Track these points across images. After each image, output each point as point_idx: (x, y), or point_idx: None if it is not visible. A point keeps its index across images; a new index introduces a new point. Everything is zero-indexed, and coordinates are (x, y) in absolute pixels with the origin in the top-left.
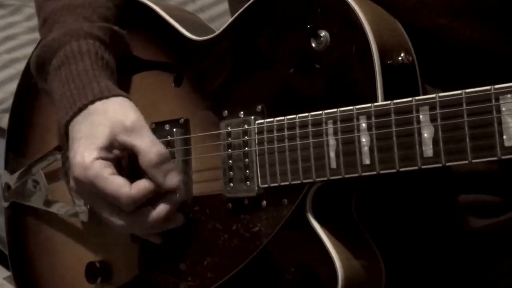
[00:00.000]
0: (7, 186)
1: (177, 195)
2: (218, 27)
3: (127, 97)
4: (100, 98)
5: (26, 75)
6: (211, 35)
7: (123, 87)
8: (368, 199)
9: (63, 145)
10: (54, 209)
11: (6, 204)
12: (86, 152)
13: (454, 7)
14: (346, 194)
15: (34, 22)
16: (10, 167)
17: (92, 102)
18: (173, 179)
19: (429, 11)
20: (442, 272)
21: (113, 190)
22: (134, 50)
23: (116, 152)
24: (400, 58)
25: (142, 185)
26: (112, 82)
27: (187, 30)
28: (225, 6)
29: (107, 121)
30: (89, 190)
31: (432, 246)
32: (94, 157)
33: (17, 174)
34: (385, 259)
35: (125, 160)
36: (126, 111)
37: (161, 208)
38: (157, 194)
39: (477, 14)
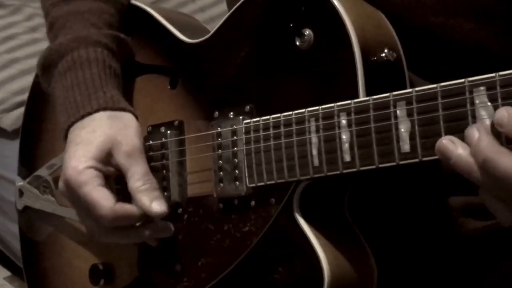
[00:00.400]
0: (20, 191)
1: (162, 225)
2: None
3: (132, 112)
4: (105, 109)
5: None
6: (203, 37)
7: (123, 90)
8: (362, 199)
9: None
10: (61, 212)
11: (20, 208)
12: (83, 158)
13: (449, 5)
14: (337, 193)
15: (34, 22)
16: (23, 172)
17: (97, 111)
18: (160, 206)
19: (424, 9)
20: (439, 274)
21: (96, 200)
22: (133, 54)
23: (110, 169)
24: (383, 54)
25: (127, 206)
26: (119, 91)
27: (181, 32)
28: (225, 6)
29: (111, 136)
30: (74, 194)
31: (429, 247)
32: (89, 165)
33: (29, 179)
34: (379, 261)
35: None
36: (130, 134)
37: (142, 233)
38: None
39: (472, 13)
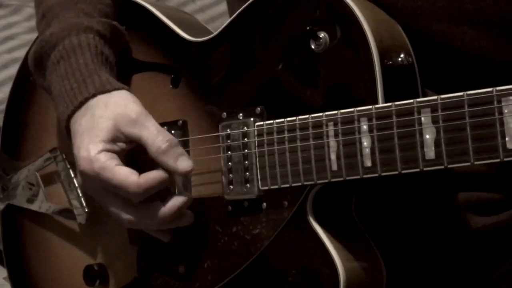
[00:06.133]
0: (3, 188)
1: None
2: (218, 27)
3: (129, 90)
4: (102, 92)
5: (21, 73)
6: (209, 36)
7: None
8: (368, 199)
9: (61, 145)
10: (51, 211)
11: (1, 207)
12: (91, 145)
13: (452, 13)
14: (346, 195)
15: (34, 22)
16: (5, 168)
17: (94, 95)
18: (186, 162)
19: (427, 16)
20: (443, 271)
21: (121, 180)
22: (131, 51)
23: (121, 145)
24: (400, 59)
25: (152, 174)
26: (113, 76)
27: (184, 31)
28: (225, 6)
29: (109, 113)
30: (96, 183)
31: (433, 245)
32: (99, 149)
33: (12, 176)
34: (385, 259)
35: (136, 154)
36: (128, 103)
37: (173, 203)
38: (168, 192)
39: (476, 21)
